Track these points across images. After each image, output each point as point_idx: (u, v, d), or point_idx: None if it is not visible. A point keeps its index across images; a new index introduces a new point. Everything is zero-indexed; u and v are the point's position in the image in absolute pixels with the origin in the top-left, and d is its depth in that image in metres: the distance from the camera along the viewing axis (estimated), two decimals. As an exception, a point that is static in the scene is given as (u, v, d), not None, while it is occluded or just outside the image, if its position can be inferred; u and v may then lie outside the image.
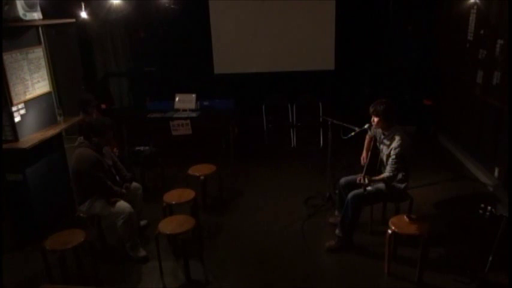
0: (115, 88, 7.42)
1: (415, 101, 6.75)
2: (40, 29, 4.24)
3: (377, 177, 3.63)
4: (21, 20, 3.76)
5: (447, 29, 6.37)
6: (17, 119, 3.87)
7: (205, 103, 6.24)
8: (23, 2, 3.77)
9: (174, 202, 3.96)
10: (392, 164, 3.55)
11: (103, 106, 6.21)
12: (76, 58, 7.00)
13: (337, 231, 3.84)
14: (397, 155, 3.53)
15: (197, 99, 6.12)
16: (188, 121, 5.80)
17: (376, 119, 3.68)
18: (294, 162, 6.00)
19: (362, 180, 3.50)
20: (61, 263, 3.33)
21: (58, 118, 4.47)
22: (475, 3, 5.34)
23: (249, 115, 6.73)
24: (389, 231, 3.36)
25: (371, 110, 3.69)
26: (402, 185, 3.69)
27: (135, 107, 7.07)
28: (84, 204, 3.75)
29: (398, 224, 3.37)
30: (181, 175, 4.74)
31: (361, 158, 4.09)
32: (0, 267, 3.47)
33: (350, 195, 3.69)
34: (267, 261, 3.78)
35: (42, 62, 4.26)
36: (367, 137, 4.12)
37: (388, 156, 3.62)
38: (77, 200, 3.87)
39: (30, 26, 4.06)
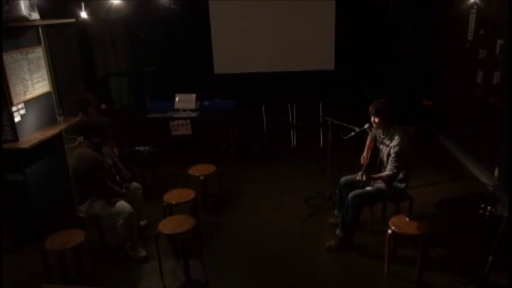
0: (115, 88, 7.42)
1: (415, 101, 6.75)
2: (40, 29, 4.24)
3: (377, 175, 3.64)
4: (27, 19, 3.79)
5: (447, 29, 6.37)
6: (17, 119, 3.88)
7: (205, 103, 6.23)
8: (27, 1, 3.78)
9: (174, 202, 3.96)
10: (392, 162, 3.56)
11: (103, 106, 6.20)
12: (76, 58, 7.01)
13: (337, 231, 3.84)
14: (396, 153, 3.54)
15: (197, 99, 6.11)
16: (188, 121, 5.80)
17: (375, 119, 3.69)
18: (294, 162, 6.00)
19: (360, 177, 3.51)
20: (61, 263, 3.33)
21: (58, 118, 4.47)
22: (475, 3, 5.34)
23: (249, 115, 6.72)
24: (390, 231, 3.36)
25: (370, 110, 3.70)
26: (402, 185, 3.69)
27: (135, 107, 7.06)
28: (84, 204, 3.75)
29: (398, 224, 3.37)
30: (181, 175, 4.74)
31: (361, 157, 4.09)
32: (0, 267, 3.46)
33: (350, 195, 3.70)
34: (267, 261, 3.78)
35: (42, 62, 4.26)
36: (369, 137, 4.12)
37: (388, 155, 3.62)
38: (76, 200, 3.87)
39: (30, 26, 4.06)
